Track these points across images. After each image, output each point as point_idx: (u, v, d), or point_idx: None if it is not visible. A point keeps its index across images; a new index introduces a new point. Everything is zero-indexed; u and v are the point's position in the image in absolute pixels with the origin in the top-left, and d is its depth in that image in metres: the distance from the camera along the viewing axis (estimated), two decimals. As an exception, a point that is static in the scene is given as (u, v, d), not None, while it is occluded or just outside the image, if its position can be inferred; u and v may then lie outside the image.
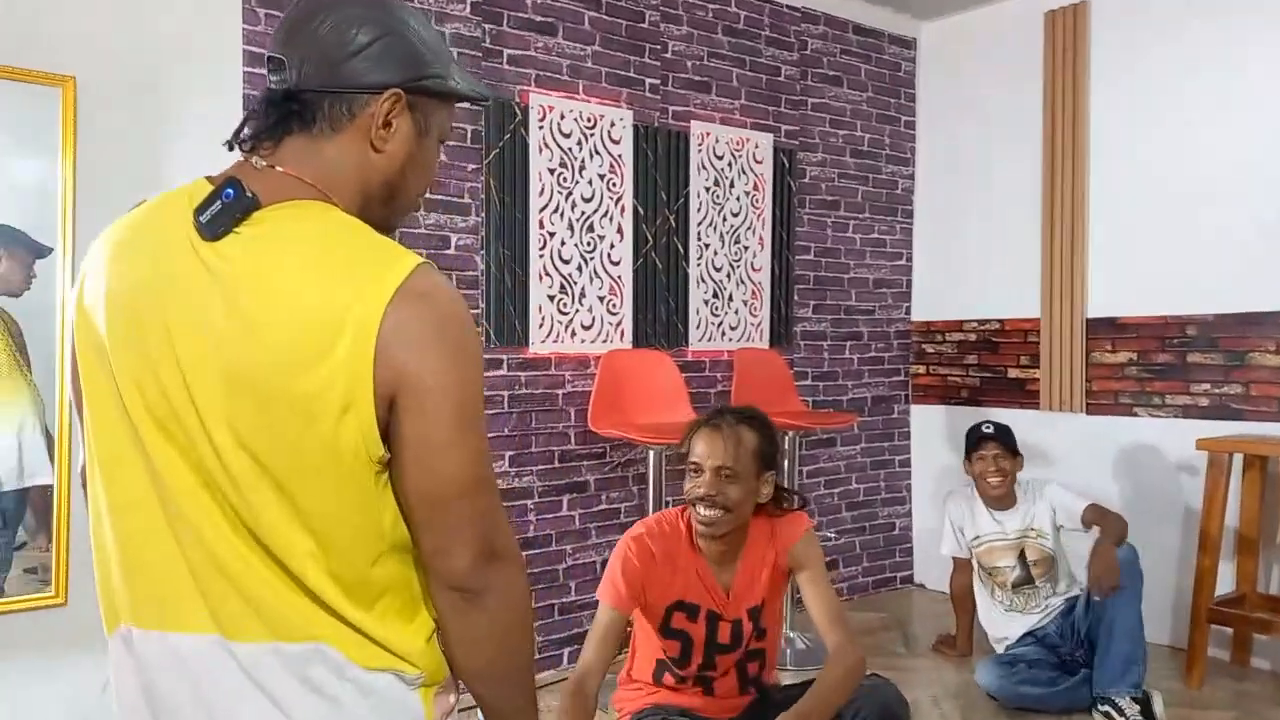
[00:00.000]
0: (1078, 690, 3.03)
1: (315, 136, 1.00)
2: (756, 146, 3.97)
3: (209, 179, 0.99)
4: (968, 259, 4.43)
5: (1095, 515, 3.19)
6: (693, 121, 3.78)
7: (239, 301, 0.92)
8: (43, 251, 2.49)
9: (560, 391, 3.44)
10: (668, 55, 3.72)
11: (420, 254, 0.97)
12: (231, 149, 1.04)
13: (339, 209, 0.99)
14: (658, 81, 3.68)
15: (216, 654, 0.94)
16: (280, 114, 1.00)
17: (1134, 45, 3.87)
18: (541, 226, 3.39)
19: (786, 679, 2.40)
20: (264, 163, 0.99)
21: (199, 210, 0.94)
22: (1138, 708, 2.86)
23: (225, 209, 0.94)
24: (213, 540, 0.93)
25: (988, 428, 3.42)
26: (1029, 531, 3.28)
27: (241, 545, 0.93)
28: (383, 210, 1.06)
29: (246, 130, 1.02)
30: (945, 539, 3.53)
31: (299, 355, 0.90)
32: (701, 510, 2.07)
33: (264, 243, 0.93)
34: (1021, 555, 3.27)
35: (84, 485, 1.11)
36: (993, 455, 3.34)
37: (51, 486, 2.49)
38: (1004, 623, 3.29)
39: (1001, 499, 3.34)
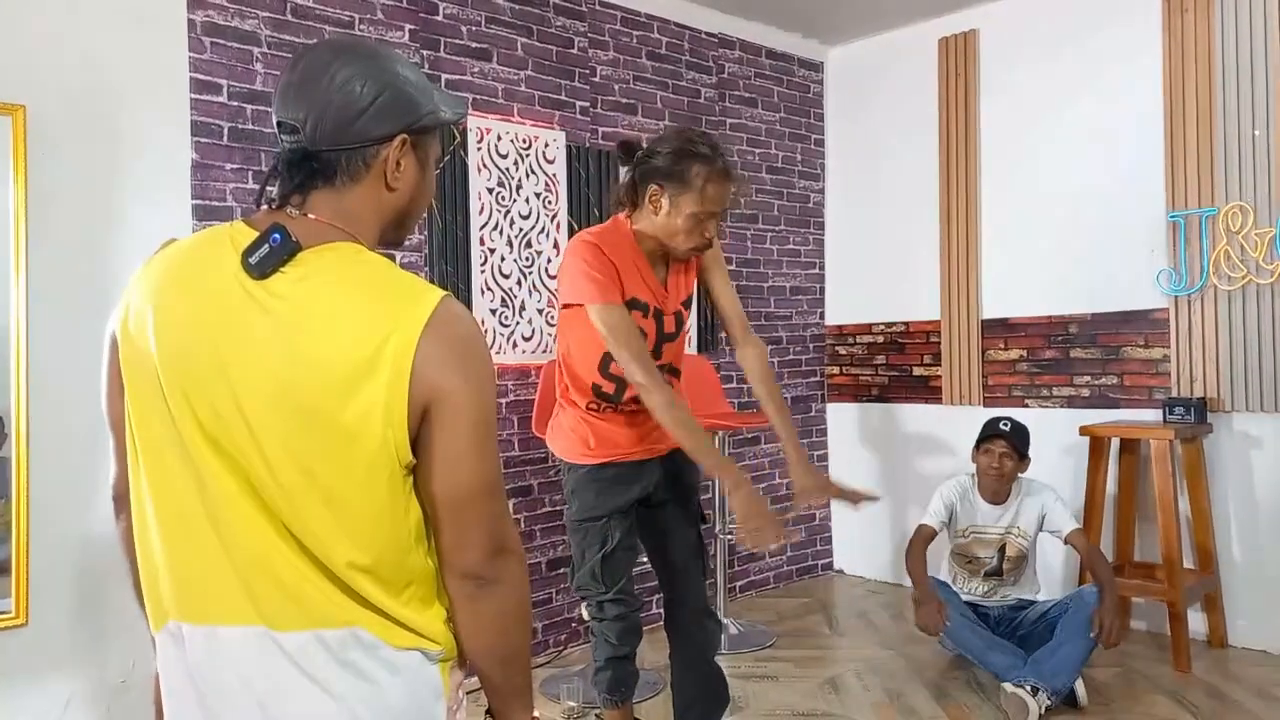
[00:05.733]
0: (1005, 649, 3.18)
1: (338, 189, 1.11)
2: (680, 164, 4.21)
3: (248, 223, 1.10)
4: (874, 267, 4.76)
5: (1083, 546, 3.35)
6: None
7: (289, 333, 1.02)
8: None
9: (504, 400, 3.60)
10: (596, 79, 3.93)
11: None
12: (258, 208, 1.15)
13: (365, 247, 1.13)
14: (587, 104, 3.89)
15: (263, 643, 1.04)
16: (304, 174, 1.10)
17: (1017, 70, 4.24)
18: (482, 243, 3.55)
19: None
20: (297, 212, 1.11)
21: (247, 252, 1.04)
22: (1048, 704, 2.99)
23: (273, 252, 1.04)
24: (256, 542, 1.03)
25: (1004, 424, 3.44)
26: (1013, 529, 3.43)
27: (284, 545, 1.03)
28: (395, 233, 1.20)
29: (275, 191, 1.12)
30: (931, 511, 3.51)
31: (346, 379, 1.01)
32: (688, 252, 2.27)
33: (308, 282, 1.04)
34: (1001, 549, 3.44)
35: (115, 499, 1.20)
36: (999, 452, 3.39)
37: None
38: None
39: (996, 494, 3.45)
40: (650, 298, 2.31)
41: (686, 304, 2.40)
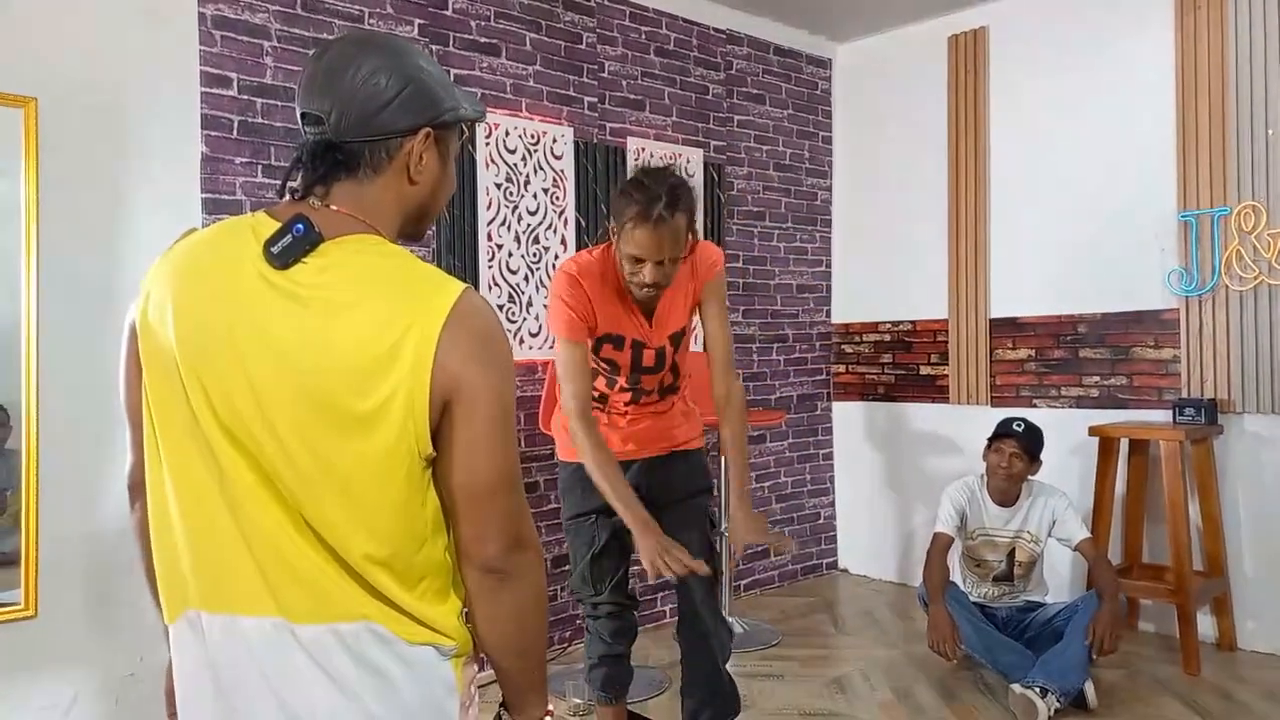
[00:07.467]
0: (1014, 649, 3.19)
1: (360, 181, 1.11)
2: (688, 161, 4.20)
3: (270, 214, 1.11)
4: (882, 265, 4.74)
5: (1092, 555, 3.32)
6: (629, 138, 3.98)
7: (310, 324, 1.02)
8: None
9: (510, 396, 3.59)
10: (604, 75, 3.91)
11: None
12: (281, 199, 1.15)
13: (387, 239, 1.13)
14: (595, 100, 3.88)
15: (279, 634, 1.04)
16: (328, 165, 1.10)
17: (1027, 67, 4.22)
18: (489, 239, 3.55)
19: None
20: (320, 203, 1.11)
21: (270, 242, 1.04)
22: (1056, 705, 2.97)
23: (296, 242, 1.04)
24: (273, 532, 1.03)
25: (1018, 425, 3.40)
26: (1023, 533, 3.39)
27: (299, 537, 1.03)
28: (415, 226, 1.20)
29: (299, 181, 1.13)
30: (942, 518, 3.47)
31: (366, 370, 1.01)
32: (640, 292, 2.18)
33: (330, 273, 1.04)
34: (1011, 554, 3.40)
35: (131, 488, 1.20)
36: (1009, 452, 3.35)
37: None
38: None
39: (1005, 494, 3.41)
40: (631, 330, 2.29)
41: (677, 337, 2.35)
